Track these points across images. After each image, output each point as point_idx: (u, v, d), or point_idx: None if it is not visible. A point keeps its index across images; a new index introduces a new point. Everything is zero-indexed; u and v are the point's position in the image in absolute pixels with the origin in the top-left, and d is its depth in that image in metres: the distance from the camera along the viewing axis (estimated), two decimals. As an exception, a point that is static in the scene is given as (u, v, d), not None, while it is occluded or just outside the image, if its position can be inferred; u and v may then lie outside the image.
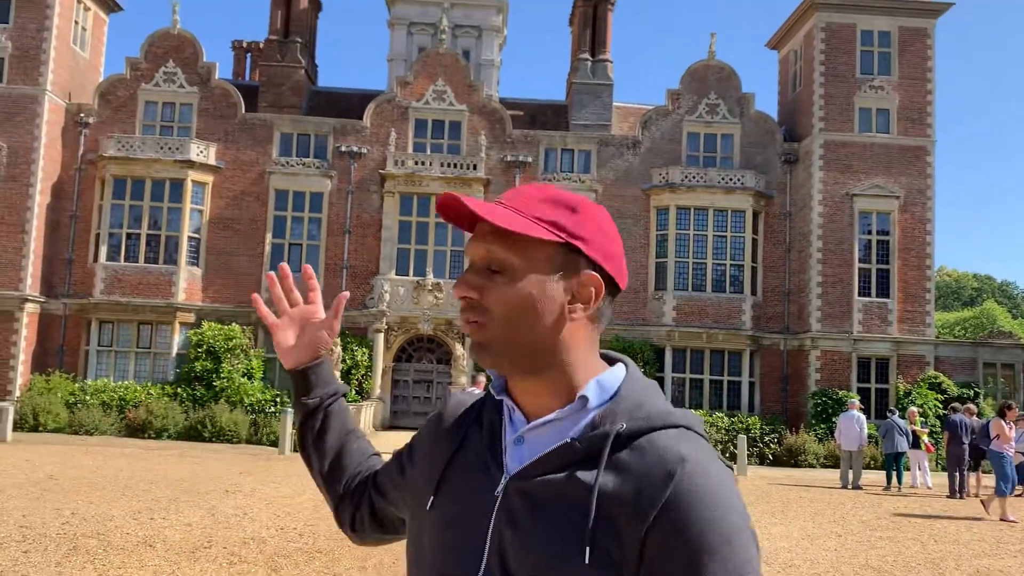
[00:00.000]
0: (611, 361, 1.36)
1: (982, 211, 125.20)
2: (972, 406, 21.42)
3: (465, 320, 1.30)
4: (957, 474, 19.14)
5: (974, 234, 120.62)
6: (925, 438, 21.39)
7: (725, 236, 31.01)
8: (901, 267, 30.74)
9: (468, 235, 1.37)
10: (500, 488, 1.27)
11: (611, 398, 1.28)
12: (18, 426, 25.35)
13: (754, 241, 31.36)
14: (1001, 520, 15.18)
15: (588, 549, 1.16)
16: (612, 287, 1.32)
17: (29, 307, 29.61)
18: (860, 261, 30.73)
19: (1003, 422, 16.27)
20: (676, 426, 1.24)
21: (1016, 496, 20.11)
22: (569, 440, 1.24)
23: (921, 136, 31.39)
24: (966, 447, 19.26)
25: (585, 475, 1.21)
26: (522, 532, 1.22)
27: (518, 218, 1.26)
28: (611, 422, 1.24)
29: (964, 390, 29.25)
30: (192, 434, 25.38)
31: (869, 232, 30.99)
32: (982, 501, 16.22)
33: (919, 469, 21.37)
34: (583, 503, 1.19)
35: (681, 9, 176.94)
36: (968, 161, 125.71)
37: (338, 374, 24.04)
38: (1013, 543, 13.00)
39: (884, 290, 30.64)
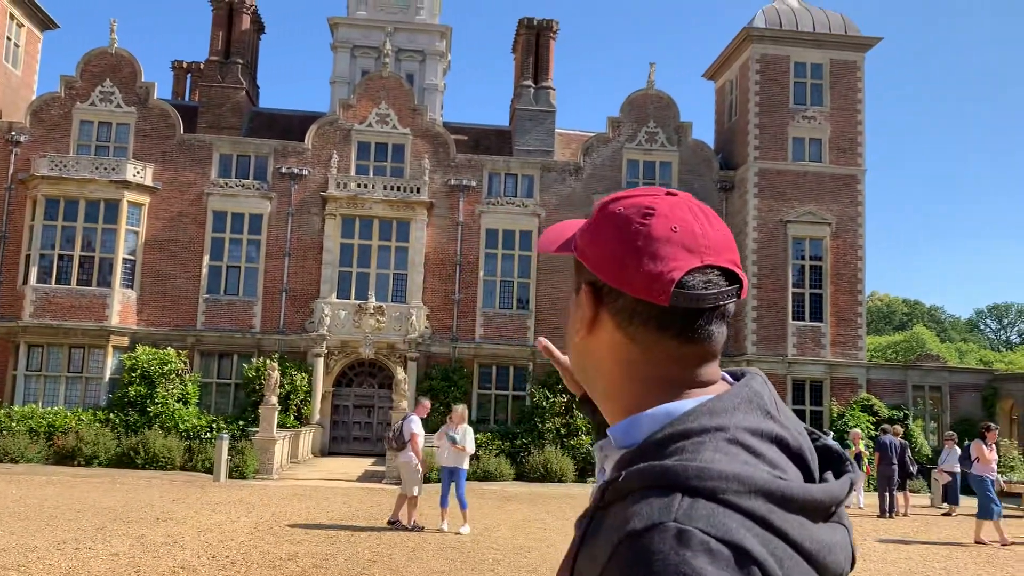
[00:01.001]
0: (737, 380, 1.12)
1: (912, 238, 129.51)
2: (898, 427, 22.06)
3: None
4: (887, 494, 19.66)
5: (904, 260, 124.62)
6: (865, 460, 21.94)
7: (665, 261, 31.47)
8: (834, 292, 31.59)
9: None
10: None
11: (645, 439, 1.02)
12: (-62, 454, 24.35)
13: (693, 266, 31.88)
14: (1001, 545, 14.99)
15: None
16: (641, 299, 1.06)
17: (-47, 330, 28.55)
18: (794, 286, 31.50)
19: (983, 445, 16.15)
20: (668, 488, 0.91)
21: (943, 515, 20.72)
22: (601, 483, 1.03)
23: (852, 165, 32.43)
24: (895, 467, 19.81)
25: (582, 527, 1.01)
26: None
27: (551, 240, 1.20)
28: (620, 469, 0.99)
29: (895, 412, 30.09)
30: (124, 461, 24.66)
31: (803, 258, 31.81)
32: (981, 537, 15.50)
33: (854, 489, 21.86)
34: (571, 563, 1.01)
35: (622, 39, 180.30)
36: (898, 189, 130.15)
37: (275, 399, 23.67)
38: (938, 560, 13.39)
39: (817, 314, 31.44)
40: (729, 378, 1.12)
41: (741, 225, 31.98)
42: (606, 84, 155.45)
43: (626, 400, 1.10)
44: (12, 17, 31.69)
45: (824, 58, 32.86)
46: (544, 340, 1.72)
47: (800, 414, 30.47)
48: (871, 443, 26.13)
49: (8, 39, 31.61)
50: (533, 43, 35.39)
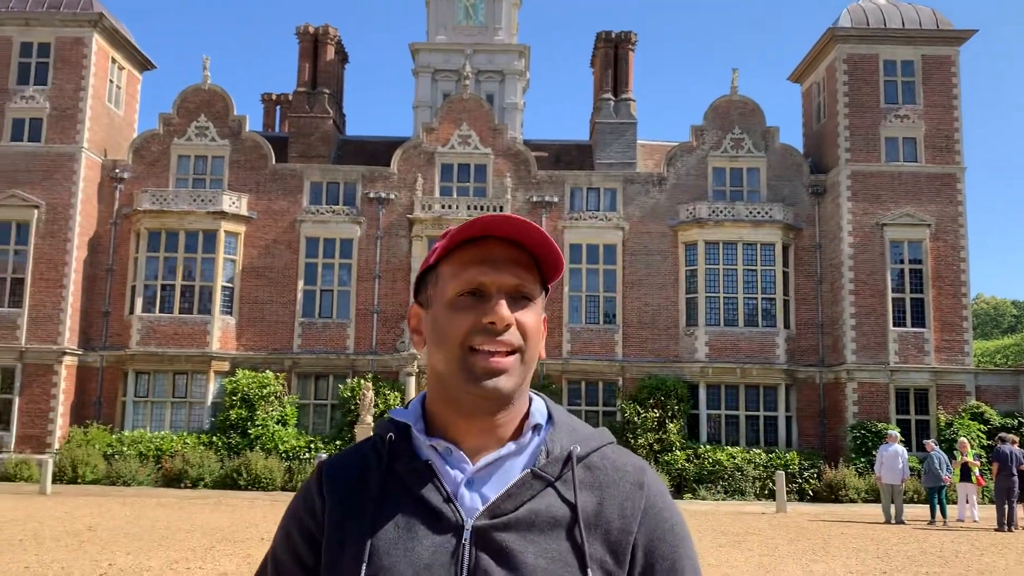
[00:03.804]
0: None
1: (1019, 236, 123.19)
2: (1015, 436, 20.90)
3: (507, 350, 1.24)
4: (1006, 506, 18.63)
5: (1012, 260, 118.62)
6: (976, 471, 20.80)
7: (755, 270, 30.79)
8: (936, 296, 30.29)
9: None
10: (467, 533, 1.21)
11: (546, 424, 1.34)
12: (57, 478, 25.62)
13: (785, 274, 31.10)
14: None
15: (588, 570, 1.19)
16: None
17: (67, 360, 30.09)
18: (893, 291, 30.33)
19: None
20: (611, 442, 1.36)
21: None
22: (533, 470, 1.26)
23: (950, 163, 31.13)
24: (1015, 479, 18.77)
25: (561, 501, 1.24)
26: (515, 567, 1.19)
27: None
28: (561, 447, 1.29)
29: (1007, 419, 28.55)
30: (228, 482, 25.47)
31: (901, 261, 30.63)
32: None
33: (966, 502, 20.82)
34: (569, 528, 1.22)
35: (702, 46, 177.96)
36: (1003, 186, 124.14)
37: (370, 418, 24.05)
38: (1066, 577, 12.58)
39: (919, 320, 30.16)
40: None
41: (835, 230, 31.03)
42: (687, 92, 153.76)
43: (526, 397, 1.35)
44: (114, 61, 33.41)
45: (915, 54, 31.71)
46: None
47: (905, 424, 29.23)
48: (983, 453, 24.88)
49: (111, 82, 33.32)
50: (612, 56, 35.26)
